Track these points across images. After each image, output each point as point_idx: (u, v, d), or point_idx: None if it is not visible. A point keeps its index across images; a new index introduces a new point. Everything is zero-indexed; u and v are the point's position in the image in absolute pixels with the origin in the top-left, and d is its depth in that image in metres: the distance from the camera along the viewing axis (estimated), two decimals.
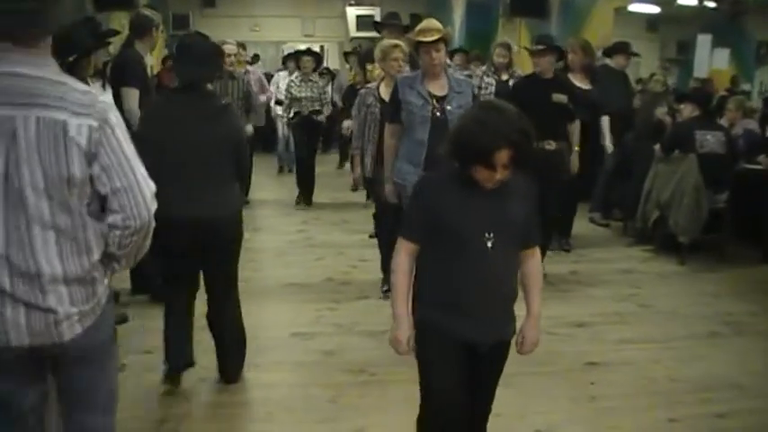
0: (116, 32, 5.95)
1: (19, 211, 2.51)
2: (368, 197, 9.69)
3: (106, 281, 2.77)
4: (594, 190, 9.83)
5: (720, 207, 8.04)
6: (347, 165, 12.61)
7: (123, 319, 5.81)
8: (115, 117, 2.63)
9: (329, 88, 13.37)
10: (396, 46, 6.57)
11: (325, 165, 13.87)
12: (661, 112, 9.49)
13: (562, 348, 5.67)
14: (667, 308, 6.65)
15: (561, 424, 4.56)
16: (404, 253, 3.31)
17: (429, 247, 3.25)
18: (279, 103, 12.80)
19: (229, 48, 9.05)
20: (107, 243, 2.68)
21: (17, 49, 2.50)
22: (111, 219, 2.64)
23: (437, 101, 5.65)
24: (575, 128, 7.41)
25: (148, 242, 2.80)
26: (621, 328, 6.12)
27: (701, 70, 13.42)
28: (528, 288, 3.40)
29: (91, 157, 2.55)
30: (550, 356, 5.44)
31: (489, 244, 3.13)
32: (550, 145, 7.04)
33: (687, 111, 8.40)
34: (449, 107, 5.60)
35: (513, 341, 3.40)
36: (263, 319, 6.22)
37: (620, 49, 9.68)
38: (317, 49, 18.45)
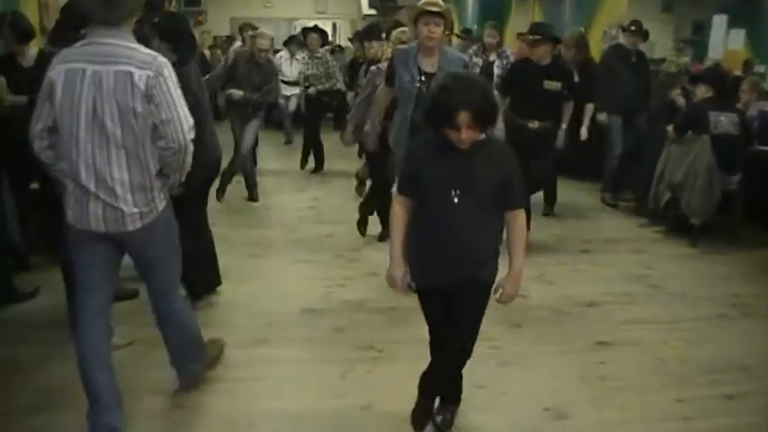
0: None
1: (102, 135, 3.68)
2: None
3: (163, 193, 3.95)
4: (605, 170, 9.81)
5: (733, 189, 7.99)
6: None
7: (134, 294, 5.83)
8: (168, 71, 3.74)
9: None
10: (404, 32, 6.90)
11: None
12: (675, 93, 9.43)
13: (572, 328, 5.68)
14: (677, 289, 6.63)
15: (570, 403, 4.56)
16: (398, 204, 3.80)
17: (415, 201, 3.72)
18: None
19: (262, 43, 9.06)
20: (159, 161, 3.83)
21: (107, 27, 3.68)
22: (160, 143, 3.77)
23: (426, 77, 5.87)
24: (568, 107, 7.72)
25: (189, 162, 3.93)
26: (631, 309, 6.11)
27: (715, 51, 13.32)
28: (510, 246, 3.75)
29: (149, 97, 3.67)
30: (560, 336, 5.46)
31: (456, 199, 3.55)
32: (534, 124, 7.42)
33: (701, 92, 8.33)
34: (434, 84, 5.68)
35: (494, 292, 3.80)
36: (272, 295, 6.25)
37: (635, 27, 9.63)
38: (329, 26, 18.40)
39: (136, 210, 3.79)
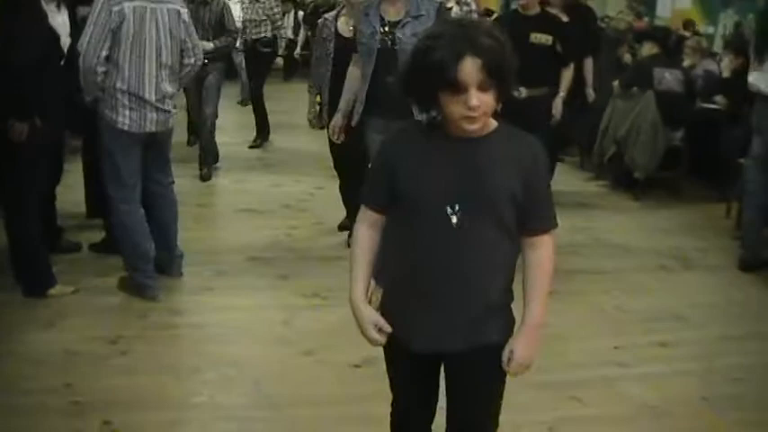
0: None
1: (158, 59, 4.91)
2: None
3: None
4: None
5: (677, 145, 8.11)
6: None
7: (78, 247, 5.80)
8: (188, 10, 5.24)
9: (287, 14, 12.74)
10: None
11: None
12: (622, 50, 9.51)
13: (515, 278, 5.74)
14: (619, 241, 6.75)
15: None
16: (365, 224, 2.55)
17: (390, 217, 2.51)
18: None
19: None
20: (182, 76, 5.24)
21: None
22: (188, 60, 5.16)
23: (390, 27, 4.82)
24: (567, 73, 6.65)
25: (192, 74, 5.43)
26: (574, 260, 6.18)
27: (664, 10, 13.44)
28: (526, 286, 2.50)
29: (187, 27, 5.09)
30: None
31: (454, 219, 2.34)
32: (519, 93, 5.75)
33: (647, 48, 8.43)
34: (399, 35, 4.76)
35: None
36: (218, 243, 6.25)
37: None
38: None
39: (174, 111, 5.15)
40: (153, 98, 4.91)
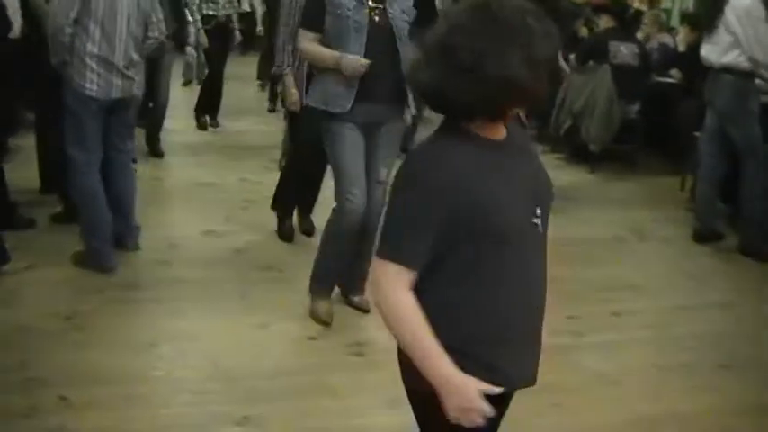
0: None
1: (128, 29, 5.00)
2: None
3: None
4: None
5: (632, 118, 8.19)
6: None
7: (32, 223, 5.74)
8: None
9: None
10: None
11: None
12: (579, 24, 9.56)
13: None
14: (575, 213, 6.77)
15: None
16: (404, 290, 1.98)
17: (447, 267, 2.01)
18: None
19: None
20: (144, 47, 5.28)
21: None
22: (149, 33, 5.23)
23: (376, 2, 4.30)
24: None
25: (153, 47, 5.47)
26: None
27: None
28: None
29: (154, 1, 5.27)
30: None
31: (539, 225, 2.06)
32: None
33: (603, 22, 8.48)
34: (391, 10, 4.30)
35: None
36: (174, 218, 6.24)
37: None
38: None
39: (138, 79, 5.21)
40: (121, 64, 5.00)
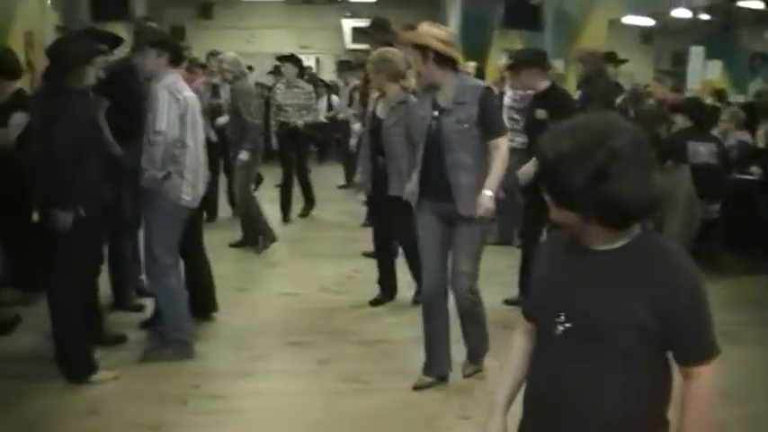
0: (116, 39, 6.04)
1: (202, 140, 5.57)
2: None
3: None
4: None
5: (713, 217, 8.07)
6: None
7: (123, 339, 5.88)
8: None
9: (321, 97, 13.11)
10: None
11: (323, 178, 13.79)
12: (661, 129, 9.51)
13: None
14: None
15: None
16: (518, 331, 2.44)
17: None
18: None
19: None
20: None
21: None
22: None
23: (440, 113, 4.86)
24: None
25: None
26: None
27: (694, 82, 13.47)
28: (679, 425, 2.21)
29: None
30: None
31: (560, 329, 2.17)
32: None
33: (680, 121, 8.44)
34: (446, 121, 4.82)
35: None
36: (257, 328, 6.26)
37: (607, 58, 9.67)
38: (312, 61, 18.44)
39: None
40: (206, 173, 5.59)
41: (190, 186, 5.38)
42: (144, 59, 5.42)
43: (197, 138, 5.46)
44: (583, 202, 2.06)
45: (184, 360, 5.44)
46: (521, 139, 7.30)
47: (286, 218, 10.49)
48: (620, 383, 2.13)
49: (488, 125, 4.82)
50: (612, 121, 2.16)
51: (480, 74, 11.38)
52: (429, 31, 4.84)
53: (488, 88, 5.19)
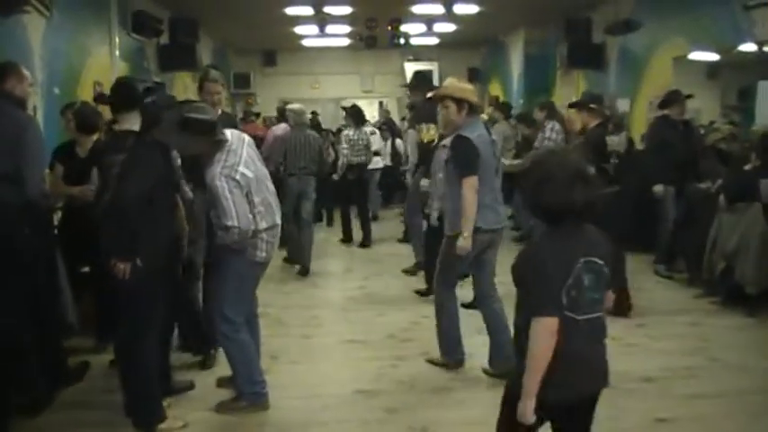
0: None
1: (268, 191, 5.42)
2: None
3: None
4: (658, 242, 9.70)
5: None
6: None
7: (191, 386, 5.91)
8: None
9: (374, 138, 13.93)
10: None
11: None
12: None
13: (629, 404, 5.51)
14: (737, 361, 6.48)
15: None
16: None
17: None
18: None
19: None
20: None
21: None
22: None
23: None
24: None
25: None
26: (691, 383, 5.97)
27: (762, 117, 13.22)
28: None
29: None
30: (618, 412, 5.28)
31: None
32: None
33: (751, 159, 8.28)
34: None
35: None
36: (325, 376, 6.22)
37: (673, 99, 9.59)
38: (375, 105, 18.66)
39: None
40: (279, 222, 5.48)
41: (265, 243, 5.30)
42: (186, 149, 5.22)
43: (263, 191, 5.30)
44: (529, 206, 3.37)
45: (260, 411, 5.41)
46: None
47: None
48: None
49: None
50: (553, 153, 3.59)
51: (552, 110, 11.50)
52: (466, 87, 6.04)
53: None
